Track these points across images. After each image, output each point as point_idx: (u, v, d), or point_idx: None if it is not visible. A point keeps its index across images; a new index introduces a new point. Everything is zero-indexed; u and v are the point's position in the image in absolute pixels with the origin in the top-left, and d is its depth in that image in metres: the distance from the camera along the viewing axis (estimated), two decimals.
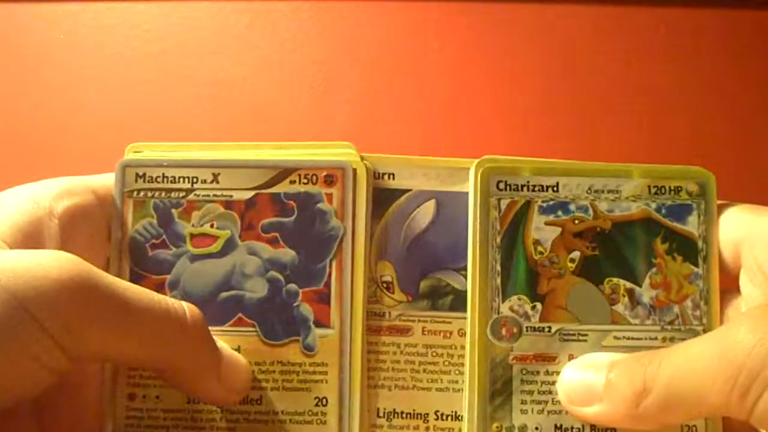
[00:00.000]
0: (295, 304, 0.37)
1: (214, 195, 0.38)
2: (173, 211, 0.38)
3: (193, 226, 0.38)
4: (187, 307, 0.34)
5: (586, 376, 0.35)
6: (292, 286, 0.37)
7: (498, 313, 0.37)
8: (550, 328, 0.36)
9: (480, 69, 0.57)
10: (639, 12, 0.57)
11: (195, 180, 0.38)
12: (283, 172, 0.38)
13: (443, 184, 0.38)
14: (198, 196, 0.38)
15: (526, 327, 0.36)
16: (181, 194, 0.38)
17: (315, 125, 0.56)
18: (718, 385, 0.30)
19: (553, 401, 0.36)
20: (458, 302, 0.37)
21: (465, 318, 0.37)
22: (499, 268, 0.37)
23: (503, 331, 0.36)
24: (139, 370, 0.37)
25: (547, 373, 0.36)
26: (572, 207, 0.37)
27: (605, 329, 0.36)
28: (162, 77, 0.58)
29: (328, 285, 0.37)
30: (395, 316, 0.38)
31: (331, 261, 0.37)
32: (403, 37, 0.58)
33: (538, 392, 0.36)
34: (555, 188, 0.37)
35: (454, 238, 0.38)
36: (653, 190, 0.37)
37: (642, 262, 0.37)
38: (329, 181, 0.37)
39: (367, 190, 0.38)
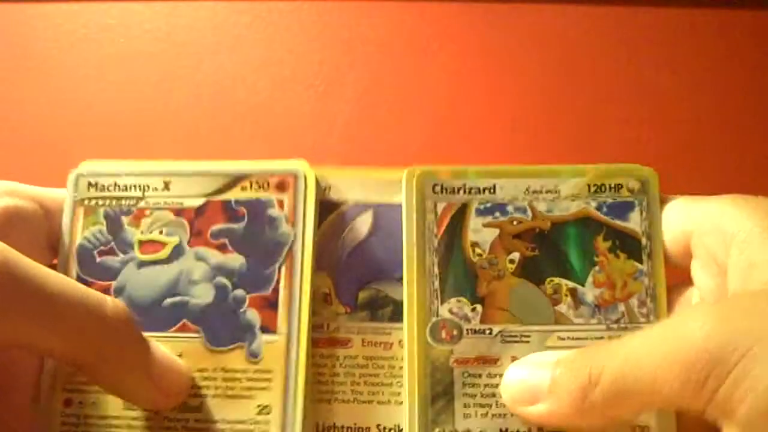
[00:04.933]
0: (241, 310, 0.36)
1: (165, 203, 0.37)
2: (123, 218, 0.37)
3: (141, 233, 0.37)
4: (111, 300, 0.32)
5: (531, 375, 0.33)
6: (240, 292, 0.36)
7: (437, 316, 0.35)
8: (491, 330, 0.35)
9: (480, 70, 0.57)
10: (639, 12, 0.57)
11: (146, 188, 0.38)
12: (235, 179, 0.38)
13: (380, 196, 0.38)
14: (148, 203, 0.37)
15: (467, 329, 0.35)
16: (132, 202, 0.37)
17: (315, 125, 0.56)
18: (671, 378, 0.29)
19: (497, 404, 0.34)
20: (398, 313, 0.36)
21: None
22: (437, 270, 0.36)
23: (443, 334, 0.35)
24: (77, 376, 0.35)
25: (489, 375, 0.34)
26: (510, 208, 0.36)
27: (548, 330, 0.35)
28: (162, 77, 0.58)
29: (276, 291, 0.36)
30: (333, 328, 0.37)
31: (279, 267, 0.36)
32: (404, 37, 0.58)
33: (481, 395, 0.34)
34: (492, 190, 0.36)
35: (393, 248, 0.37)
36: (593, 189, 0.36)
37: (584, 261, 0.36)
38: (281, 187, 0.37)
39: (316, 198, 0.37)
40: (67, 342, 0.31)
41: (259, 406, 0.35)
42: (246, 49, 0.59)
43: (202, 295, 0.36)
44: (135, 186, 0.38)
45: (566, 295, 0.35)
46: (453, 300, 0.35)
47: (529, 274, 0.36)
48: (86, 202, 0.38)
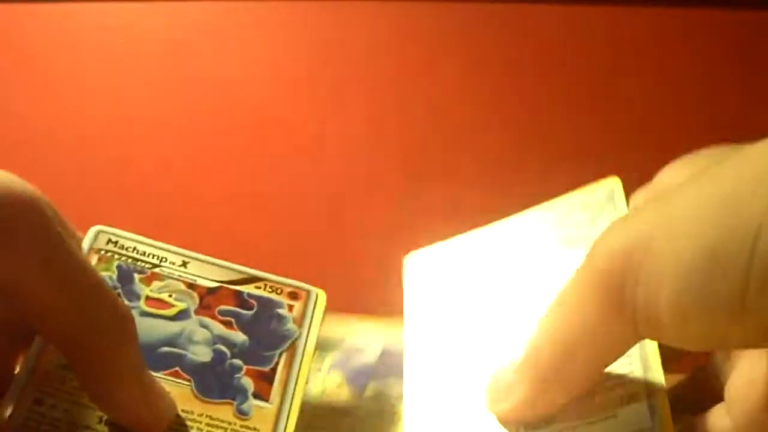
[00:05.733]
0: (236, 376, 0.36)
1: (179, 275, 0.38)
2: (135, 275, 0.38)
3: (151, 291, 0.38)
4: (124, 304, 0.32)
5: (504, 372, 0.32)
6: (237, 361, 0.36)
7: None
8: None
9: (481, 70, 0.59)
10: (636, 12, 0.60)
11: (164, 259, 0.39)
12: (252, 278, 0.39)
13: (389, 338, 0.41)
14: (163, 271, 0.38)
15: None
16: (148, 266, 0.38)
17: (315, 126, 0.54)
18: (595, 304, 0.27)
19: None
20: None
21: None
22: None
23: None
24: (54, 383, 0.33)
25: None
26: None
27: None
28: (161, 77, 0.57)
29: (274, 370, 0.36)
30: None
31: (281, 353, 0.37)
32: (405, 37, 0.59)
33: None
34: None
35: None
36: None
37: None
38: (293, 296, 0.39)
39: (324, 314, 0.39)
40: (71, 311, 0.30)
41: None
42: (246, 49, 0.59)
43: (200, 354, 0.36)
44: (154, 255, 0.39)
45: None
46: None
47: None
48: (102, 252, 0.38)
